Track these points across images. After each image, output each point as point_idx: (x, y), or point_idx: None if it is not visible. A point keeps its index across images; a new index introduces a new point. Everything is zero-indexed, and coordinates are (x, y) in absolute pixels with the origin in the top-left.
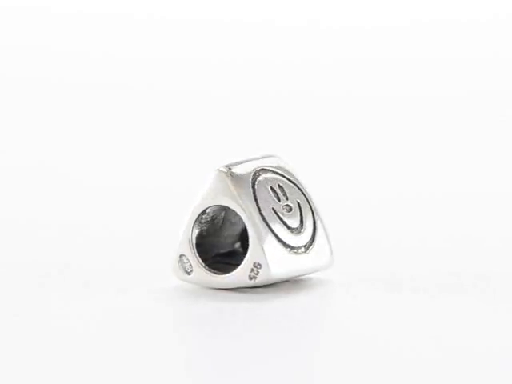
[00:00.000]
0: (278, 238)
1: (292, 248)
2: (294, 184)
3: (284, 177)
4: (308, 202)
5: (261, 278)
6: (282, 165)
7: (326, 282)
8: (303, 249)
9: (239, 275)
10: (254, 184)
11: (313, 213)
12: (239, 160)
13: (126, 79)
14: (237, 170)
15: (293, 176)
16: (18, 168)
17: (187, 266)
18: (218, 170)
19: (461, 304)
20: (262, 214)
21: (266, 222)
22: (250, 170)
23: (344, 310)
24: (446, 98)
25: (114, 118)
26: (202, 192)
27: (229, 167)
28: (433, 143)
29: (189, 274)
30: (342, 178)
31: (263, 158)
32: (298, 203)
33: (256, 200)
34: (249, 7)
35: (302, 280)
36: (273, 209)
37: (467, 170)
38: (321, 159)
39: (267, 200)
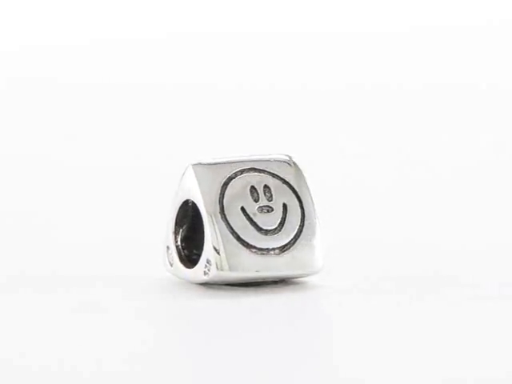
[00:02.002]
0: (238, 237)
1: (259, 249)
2: (290, 186)
3: (279, 178)
4: (301, 206)
5: (212, 275)
6: (282, 166)
7: (319, 285)
8: (277, 251)
9: (197, 270)
10: (227, 181)
11: (303, 217)
12: (224, 157)
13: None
14: (210, 166)
15: (294, 178)
16: None
17: (170, 257)
18: (190, 164)
19: (456, 307)
20: (222, 212)
21: (225, 220)
22: (229, 168)
23: (334, 313)
24: (447, 103)
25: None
26: (179, 185)
27: (201, 162)
28: (430, 149)
29: (171, 265)
30: (341, 181)
31: (262, 157)
32: (285, 205)
33: (222, 197)
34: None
35: (296, 282)
36: (242, 208)
37: (464, 173)
38: (318, 159)
39: (237, 198)
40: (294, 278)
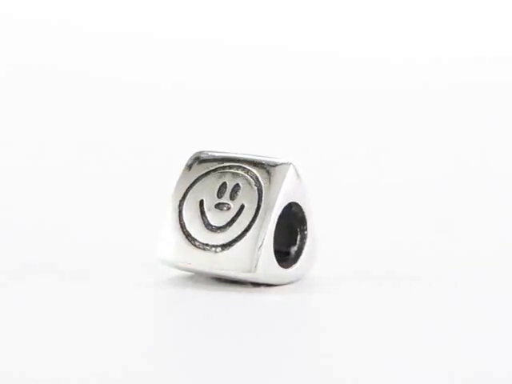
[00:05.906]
0: (184, 228)
1: (200, 243)
2: (259, 189)
3: (254, 179)
4: (257, 210)
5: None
6: (272, 169)
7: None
8: (219, 248)
9: None
10: (206, 174)
11: (253, 220)
12: (226, 152)
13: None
14: (203, 157)
15: (273, 183)
16: None
17: None
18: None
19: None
20: (182, 202)
21: (180, 210)
22: (218, 162)
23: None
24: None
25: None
26: None
27: (200, 154)
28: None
29: None
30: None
31: (260, 158)
32: (242, 206)
33: (189, 188)
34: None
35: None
36: (201, 201)
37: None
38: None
39: (202, 191)
40: (228, 278)
